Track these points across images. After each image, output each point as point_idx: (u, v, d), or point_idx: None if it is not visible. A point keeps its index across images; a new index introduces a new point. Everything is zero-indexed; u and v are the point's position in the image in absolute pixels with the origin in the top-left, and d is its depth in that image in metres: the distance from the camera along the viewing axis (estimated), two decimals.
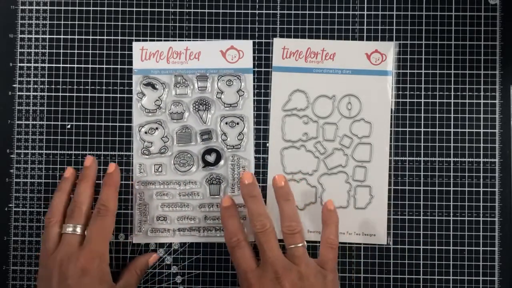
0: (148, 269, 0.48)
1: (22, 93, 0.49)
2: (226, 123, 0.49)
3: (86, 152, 0.49)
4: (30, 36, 0.49)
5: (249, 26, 0.49)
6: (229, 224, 0.45)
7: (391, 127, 0.49)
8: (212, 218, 0.49)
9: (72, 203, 0.46)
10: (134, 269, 0.47)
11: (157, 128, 0.49)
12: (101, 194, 0.46)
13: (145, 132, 0.49)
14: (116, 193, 0.47)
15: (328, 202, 0.46)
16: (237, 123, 0.49)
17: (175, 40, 0.49)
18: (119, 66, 0.49)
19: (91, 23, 0.49)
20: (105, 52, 0.49)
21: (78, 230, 0.44)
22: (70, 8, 0.50)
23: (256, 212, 0.44)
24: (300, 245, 0.43)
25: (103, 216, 0.45)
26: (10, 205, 0.49)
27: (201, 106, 0.49)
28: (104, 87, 0.49)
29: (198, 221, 0.49)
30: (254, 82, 0.49)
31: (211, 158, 0.49)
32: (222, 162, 0.48)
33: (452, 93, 0.49)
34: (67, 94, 0.49)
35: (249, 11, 0.49)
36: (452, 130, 0.49)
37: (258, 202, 0.45)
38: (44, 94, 0.49)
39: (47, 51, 0.49)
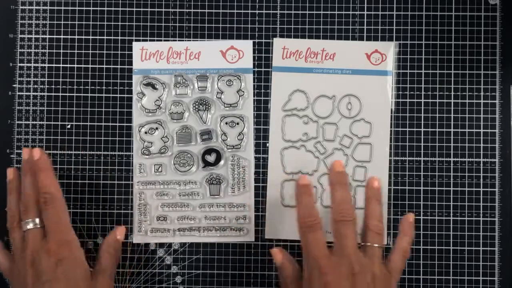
0: (121, 246, 0.47)
1: (22, 93, 0.49)
2: (226, 123, 0.49)
3: (86, 152, 0.49)
4: (30, 36, 0.49)
5: (249, 26, 0.49)
6: (305, 201, 0.42)
7: (391, 127, 0.49)
8: (212, 218, 0.49)
9: (23, 198, 0.43)
10: (107, 250, 0.45)
11: (157, 128, 0.49)
12: (39, 182, 0.43)
13: (145, 132, 0.49)
14: (53, 176, 0.44)
15: (410, 215, 0.45)
16: (237, 123, 0.49)
17: (175, 40, 0.49)
18: (119, 66, 0.49)
19: (91, 23, 0.49)
20: (105, 52, 0.49)
21: (38, 222, 0.42)
22: (70, 8, 0.50)
23: (342, 200, 0.42)
24: (379, 245, 0.42)
25: (51, 204, 0.42)
26: None
27: (201, 106, 0.49)
28: (104, 87, 0.49)
29: (198, 221, 0.49)
30: (254, 82, 0.49)
31: (211, 158, 0.49)
32: (222, 162, 0.48)
33: (452, 93, 0.49)
34: (67, 94, 0.49)
35: (249, 11, 0.49)
36: (452, 130, 0.49)
37: (346, 190, 0.43)
38: (44, 94, 0.49)
39: (47, 51, 0.49)
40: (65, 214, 0.43)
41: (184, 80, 0.49)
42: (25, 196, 0.43)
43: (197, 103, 0.49)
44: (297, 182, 0.44)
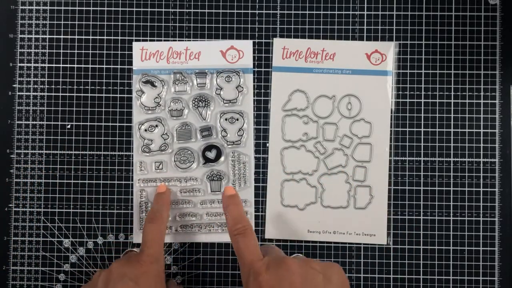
0: None
1: (22, 93, 0.49)
2: (226, 119, 0.49)
3: (86, 152, 0.49)
4: (30, 36, 0.49)
5: (249, 26, 0.49)
6: (233, 210, 0.43)
7: (391, 127, 0.49)
8: (213, 214, 0.49)
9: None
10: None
11: (157, 126, 0.49)
12: (153, 205, 0.46)
13: (145, 130, 0.49)
14: (168, 207, 0.47)
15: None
16: (237, 119, 0.49)
17: (175, 40, 0.49)
18: (119, 66, 0.49)
19: (91, 23, 0.49)
20: (105, 52, 0.49)
21: None
22: (70, 8, 0.50)
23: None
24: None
25: (157, 222, 0.44)
26: (10, 205, 0.49)
27: (200, 102, 0.49)
28: (104, 87, 0.49)
29: (200, 217, 0.49)
30: (254, 82, 0.49)
31: (211, 154, 0.49)
32: (222, 158, 0.49)
33: (452, 93, 0.49)
34: (67, 94, 0.49)
35: (249, 11, 0.49)
36: (452, 130, 0.49)
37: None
38: (44, 94, 0.49)
39: (47, 51, 0.49)
40: (163, 236, 0.45)
41: (183, 77, 0.49)
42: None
43: (196, 100, 0.49)
44: (223, 193, 0.45)
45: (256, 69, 0.49)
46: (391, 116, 0.49)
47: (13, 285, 0.49)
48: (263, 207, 0.49)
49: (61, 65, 0.49)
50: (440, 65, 0.49)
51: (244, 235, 0.41)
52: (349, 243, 0.48)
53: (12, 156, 0.49)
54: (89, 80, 0.49)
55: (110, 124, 0.49)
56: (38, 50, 0.49)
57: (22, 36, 0.49)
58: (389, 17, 0.49)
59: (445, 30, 0.49)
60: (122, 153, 0.49)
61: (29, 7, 0.49)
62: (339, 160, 0.49)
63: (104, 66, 0.49)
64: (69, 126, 0.49)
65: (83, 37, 0.49)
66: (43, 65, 0.49)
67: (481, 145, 0.49)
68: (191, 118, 0.49)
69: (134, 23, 0.49)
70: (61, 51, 0.49)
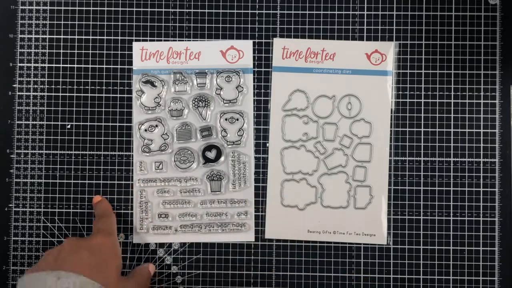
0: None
1: (22, 93, 0.49)
2: (226, 119, 0.49)
3: (86, 152, 0.49)
4: (30, 36, 0.49)
5: (249, 26, 0.49)
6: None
7: (391, 127, 0.49)
8: (213, 214, 0.49)
9: None
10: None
11: (157, 126, 0.49)
12: (99, 207, 0.48)
13: (145, 130, 0.49)
14: (111, 210, 0.48)
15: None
16: (237, 119, 0.49)
17: (175, 40, 0.49)
18: (119, 66, 0.49)
19: (91, 23, 0.49)
20: (105, 52, 0.49)
21: None
22: (70, 8, 0.50)
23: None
24: None
25: (108, 209, 0.47)
26: (10, 205, 0.49)
27: (200, 102, 0.49)
28: (104, 87, 0.49)
29: (200, 217, 0.49)
30: (254, 82, 0.49)
31: (211, 154, 0.49)
32: (222, 158, 0.49)
33: (452, 93, 0.49)
34: (67, 94, 0.49)
35: (249, 11, 0.49)
36: (452, 130, 0.49)
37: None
38: (44, 94, 0.49)
39: (47, 51, 0.49)
40: (115, 225, 0.47)
41: (183, 77, 0.49)
42: None
43: (196, 100, 0.49)
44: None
45: (256, 69, 0.49)
46: (391, 116, 0.49)
47: (13, 285, 0.49)
48: (263, 207, 0.49)
49: (61, 65, 0.49)
50: (440, 65, 0.49)
51: None
52: (349, 243, 0.48)
53: (12, 156, 0.49)
54: (89, 80, 0.49)
55: (110, 124, 0.49)
56: (38, 50, 0.49)
57: (22, 36, 0.49)
58: (389, 17, 0.49)
59: (445, 30, 0.49)
60: (122, 153, 0.49)
61: (29, 7, 0.49)
62: (339, 160, 0.49)
63: (104, 66, 0.49)
64: (69, 126, 0.49)
65: (83, 37, 0.49)
66: (43, 65, 0.49)
67: (481, 145, 0.49)
68: (191, 118, 0.49)
69: (134, 23, 0.49)
70: (61, 51, 0.49)
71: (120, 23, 0.49)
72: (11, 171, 0.49)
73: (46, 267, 0.39)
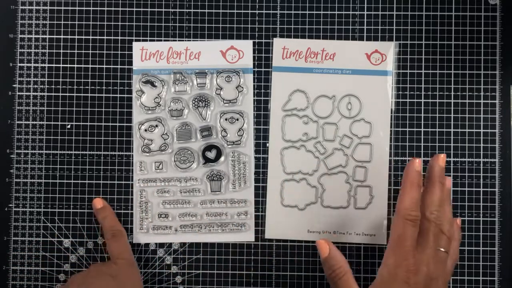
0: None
1: (22, 93, 0.49)
2: (226, 119, 0.49)
3: (86, 152, 0.49)
4: (30, 36, 0.49)
5: (249, 26, 0.49)
6: (412, 193, 0.41)
7: (391, 127, 0.49)
8: (213, 214, 0.49)
9: None
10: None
11: (157, 126, 0.49)
12: (108, 222, 0.47)
13: (145, 130, 0.49)
14: (115, 217, 0.48)
15: (458, 219, 0.46)
16: (237, 119, 0.49)
17: (175, 40, 0.49)
18: (119, 66, 0.49)
19: (91, 23, 0.49)
20: (105, 52, 0.49)
21: None
22: (70, 8, 0.50)
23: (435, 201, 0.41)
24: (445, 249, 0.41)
25: (118, 235, 0.47)
26: (10, 205, 0.49)
27: (200, 102, 0.49)
28: (104, 87, 0.49)
29: (200, 217, 0.49)
30: (254, 82, 0.49)
31: (211, 154, 0.49)
32: (222, 158, 0.49)
33: (452, 93, 0.49)
34: (67, 94, 0.49)
35: (249, 11, 0.49)
36: (452, 130, 0.49)
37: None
38: (44, 94, 0.49)
39: (47, 51, 0.49)
40: (129, 247, 0.48)
41: (183, 77, 0.49)
42: None
43: (196, 100, 0.49)
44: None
45: (256, 69, 0.49)
46: (391, 116, 0.49)
47: (13, 285, 0.49)
48: (263, 207, 0.49)
49: (61, 65, 0.49)
50: (440, 65, 0.49)
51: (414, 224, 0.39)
52: (349, 243, 0.48)
53: (12, 156, 0.49)
54: (89, 80, 0.49)
55: (110, 124, 0.49)
56: (38, 50, 0.49)
57: (22, 36, 0.49)
58: (389, 17, 0.49)
59: (445, 30, 0.49)
60: (122, 153, 0.49)
61: (29, 7, 0.49)
62: (339, 160, 0.49)
63: (104, 66, 0.49)
64: (69, 126, 0.49)
65: (83, 37, 0.49)
66: (43, 65, 0.49)
67: (481, 145, 0.49)
68: (191, 118, 0.49)
69: (134, 23, 0.49)
70: (61, 51, 0.49)
71: (120, 23, 0.49)
72: (11, 171, 0.49)
73: None
